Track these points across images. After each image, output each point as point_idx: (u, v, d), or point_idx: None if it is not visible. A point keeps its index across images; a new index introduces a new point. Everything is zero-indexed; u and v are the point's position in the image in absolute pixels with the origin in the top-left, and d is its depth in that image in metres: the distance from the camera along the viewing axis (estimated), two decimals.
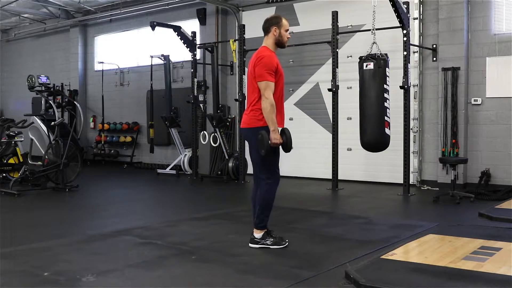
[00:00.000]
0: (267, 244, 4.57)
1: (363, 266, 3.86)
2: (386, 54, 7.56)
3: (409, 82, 8.06)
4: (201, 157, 10.74)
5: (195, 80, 10.79)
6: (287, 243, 4.63)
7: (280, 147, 4.48)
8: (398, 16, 7.87)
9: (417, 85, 8.99)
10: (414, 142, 8.97)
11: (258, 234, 4.61)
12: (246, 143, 4.92)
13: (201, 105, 10.91)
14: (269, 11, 10.81)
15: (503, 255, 4.15)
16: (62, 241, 4.94)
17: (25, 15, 15.30)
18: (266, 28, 4.61)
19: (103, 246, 4.83)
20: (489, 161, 8.38)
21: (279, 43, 4.61)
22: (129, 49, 13.63)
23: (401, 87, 8.01)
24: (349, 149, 9.55)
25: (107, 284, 3.61)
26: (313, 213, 6.59)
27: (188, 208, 7.35)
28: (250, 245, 4.62)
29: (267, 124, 4.40)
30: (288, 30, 4.64)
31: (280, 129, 4.47)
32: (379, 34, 7.87)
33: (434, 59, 8.86)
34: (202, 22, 11.72)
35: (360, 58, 7.71)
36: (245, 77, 9.77)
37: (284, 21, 4.62)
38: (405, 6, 7.97)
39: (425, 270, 3.77)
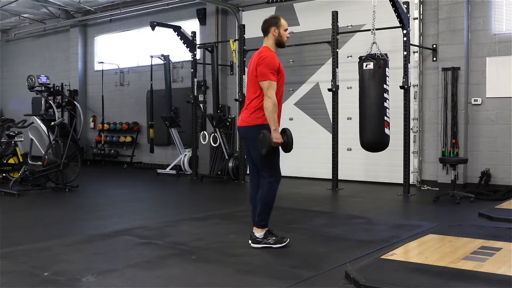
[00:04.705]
0: (270, 243, 4.55)
1: (363, 266, 3.86)
2: (386, 54, 7.57)
3: (409, 82, 8.06)
4: (201, 157, 10.74)
5: (195, 80, 10.79)
6: (288, 240, 4.63)
7: (281, 146, 4.48)
8: (398, 16, 7.87)
9: (417, 85, 8.98)
10: (414, 142, 8.97)
11: (259, 233, 4.59)
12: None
13: (201, 105, 10.91)
14: (269, 11, 10.81)
15: (503, 255, 4.15)
16: (62, 241, 4.93)
17: (25, 15, 15.29)
18: (265, 29, 4.64)
19: (103, 246, 4.83)
20: (489, 161, 8.38)
21: (279, 43, 4.64)
22: (129, 49, 13.63)
23: (401, 87, 8.01)
24: (349, 149, 9.55)
25: (107, 284, 3.61)
26: (313, 213, 6.59)
27: (188, 208, 7.35)
28: (252, 244, 4.59)
29: (266, 122, 4.43)
30: (287, 29, 4.67)
31: (281, 128, 4.48)
32: (379, 34, 7.87)
33: (434, 59, 8.86)
34: (202, 22, 11.72)
35: (360, 58, 7.71)
36: (245, 77, 9.76)
37: (283, 21, 4.64)
38: (405, 6, 7.97)
39: (425, 270, 3.77)
